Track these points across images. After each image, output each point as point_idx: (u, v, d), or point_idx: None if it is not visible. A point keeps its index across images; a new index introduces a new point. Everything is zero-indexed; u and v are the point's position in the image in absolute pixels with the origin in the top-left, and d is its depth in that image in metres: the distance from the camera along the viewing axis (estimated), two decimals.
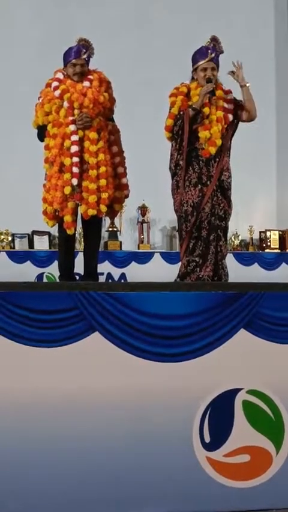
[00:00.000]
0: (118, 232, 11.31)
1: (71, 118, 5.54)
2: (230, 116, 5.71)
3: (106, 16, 11.67)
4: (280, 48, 12.70)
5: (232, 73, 5.71)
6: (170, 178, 5.77)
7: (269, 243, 12.08)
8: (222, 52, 5.75)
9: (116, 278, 10.41)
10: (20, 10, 11.49)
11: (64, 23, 11.09)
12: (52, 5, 11.59)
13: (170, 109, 5.72)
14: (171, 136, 5.72)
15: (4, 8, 11.48)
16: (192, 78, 5.80)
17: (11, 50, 11.38)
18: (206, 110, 5.60)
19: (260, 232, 12.23)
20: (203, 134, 5.58)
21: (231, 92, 5.80)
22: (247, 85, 5.71)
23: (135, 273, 10.39)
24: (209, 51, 5.67)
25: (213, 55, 5.66)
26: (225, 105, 5.71)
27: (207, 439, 3.67)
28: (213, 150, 5.60)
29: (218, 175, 5.65)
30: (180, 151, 5.65)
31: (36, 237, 11.23)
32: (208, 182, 5.63)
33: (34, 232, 11.19)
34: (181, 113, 5.64)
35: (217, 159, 5.66)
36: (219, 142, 5.60)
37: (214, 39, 5.74)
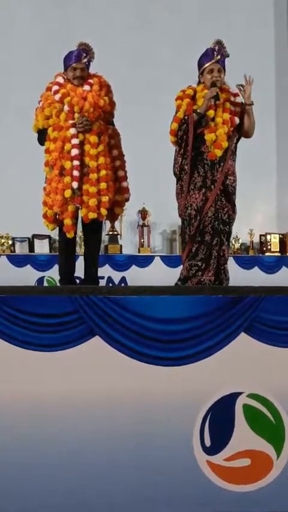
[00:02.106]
0: (118, 236, 11.33)
1: (71, 122, 5.55)
2: (237, 119, 5.69)
3: (106, 17, 11.70)
4: (280, 49, 12.71)
5: (241, 86, 5.67)
6: (174, 182, 5.75)
7: (269, 247, 12.09)
8: (227, 56, 5.73)
9: (117, 282, 10.41)
10: (20, 11, 11.52)
11: (64, 25, 11.14)
12: (52, 6, 11.61)
13: (176, 113, 5.72)
14: (176, 141, 5.71)
15: (4, 10, 11.49)
16: (199, 82, 5.80)
17: (11, 52, 11.39)
18: (211, 113, 5.58)
19: (260, 235, 12.23)
20: (209, 136, 5.57)
21: (238, 95, 5.78)
22: (252, 104, 5.69)
23: (136, 276, 10.39)
24: (215, 53, 5.66)
25: (219, 57, 5.65)
26: (232, 108, 5.70)
27: (207, 443, 3.66)
28: (219, 152, 5.58)
29: (222, 179, 5.63)
30: (185, 156, 5.64)
31: (36, 241, 11.23)
32: (212, 187, 5.62)
33: (34, 236, 11.20)
34: (186, 117, 5.63)
35: (222, 163, 5.64)
36: (225, 144, 5.58)
37: (219, 43, 5.73)
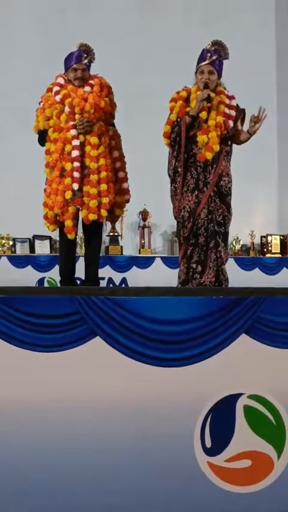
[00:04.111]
0: (119, 237, 11.34)
1: (71, 123, 5.55)
2: (231, 123, 5.68)
3: (106, 21, 11.71)
4: (281, 50, 12.72)
5: (255, 118, 5.66)
6: (170, 184, 5.77)
7: (270, 248, 12.09)
8: (226, 58, 5.70)
9: (117, 283, 10.41)
10: (21, 15, 11.54)
11: (65, 29, 11.15)
12: (53, 10, 11.62)
13: (169, 115, 5.72)
14: (169, 143, 5.71)
15: (5, 13, 11.51)
16: (196, 83, 5.80)
17: (11, 54, 11.40)
18: (203, 114, 5.56)
19: (261, 236, 12.24)
20: (201, 138, 5.55)
21: (234, 97, 5.77)
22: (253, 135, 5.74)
23: (136, 277, 10.40)
24: (209, 54, 5.64)
25: (213, 58, 5.63)
26: (227, 110, 5.68)
27: (208, 444, 3.66)
28: (209, 155, 5.55)
29: (215, 180, 5.63)
30: (178, 158, 5.64)
31: (37, 242, 11.25)
32: (205, 189, 5.61)
33: (35, 237, 11.21)
34: (178, 119, 5.63)
35: (215, 165, 5.64)
36: (216, 147, 5.56)
37: (218, 44, 5.68)
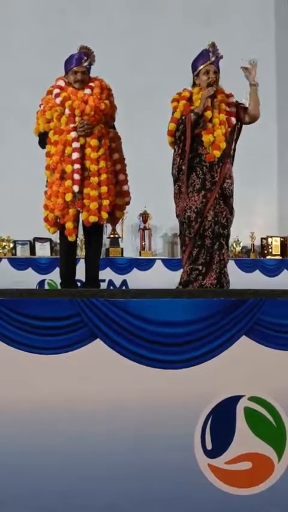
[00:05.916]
0: (119, 239, 11.33)
1: (72, 125, 5.55)
2: (233, 120, 5.71)
3: (106, 22, 11.71)
4: (281, 51, 12.71)
5: (245, 69, 5.69)
6: (172, 183, 5.76)
7: (270, 250, 12.09)
8: (222, 57, 5.74)
9: (118, 285, 10.40)
10: (21, 15, 11.53)
11: (65, 29, 11.16)
12: (53, 10, 11.62)
13: (173, 114, 5.73)
14: (174, 141, 5.71)
15: (5, 13, 11.51)
16: (194, 84, 5.80)
17: (12, 55, 11.40)
18: (208, 113, 5.59)
19: (262, 238, 12.23)
20: (206, 138, 5.57)
21: (232, 95, 5.80)
22: (257, 85, 5.69)
23: (137, 279, 10.38)
24: (210, 54, 5.67)
25: (213, 58, 5.66)
26: (228, 108, 5.71)
27: (209, 446, 3.66)
28: (217, 154, 5.58)
29: (221, 181, 5.64)
30: (182, 156, 5.64)
31: (37, 244, 11.25)
32: (212, 188, 5.62)
33: (36, 239, 11.21)
34: (183, 117, 5.63)
35: (220, 164, 5.64)
36: (223, 145, 5.58)
37: (212, 45, 5.73)
